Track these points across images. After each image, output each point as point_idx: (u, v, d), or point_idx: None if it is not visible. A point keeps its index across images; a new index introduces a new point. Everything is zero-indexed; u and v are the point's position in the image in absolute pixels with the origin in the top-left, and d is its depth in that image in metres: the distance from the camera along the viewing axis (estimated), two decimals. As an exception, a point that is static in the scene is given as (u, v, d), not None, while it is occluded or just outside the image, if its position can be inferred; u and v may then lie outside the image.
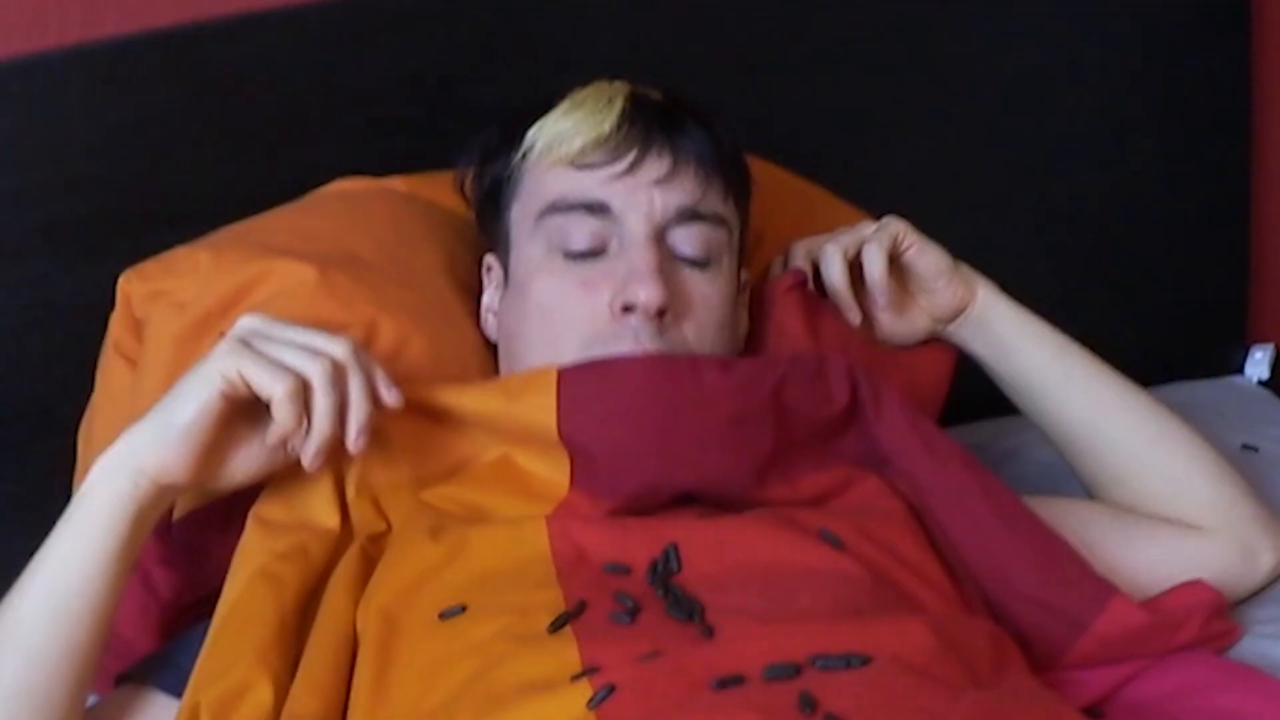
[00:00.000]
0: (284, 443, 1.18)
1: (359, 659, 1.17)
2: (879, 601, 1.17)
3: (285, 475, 1.28)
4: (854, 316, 1.42)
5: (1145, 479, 1.49)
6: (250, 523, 1.25)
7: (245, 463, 1.20)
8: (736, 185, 1.40)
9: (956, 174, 1.95)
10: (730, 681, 1.00)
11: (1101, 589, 1.32)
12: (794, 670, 1.02)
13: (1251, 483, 1.55)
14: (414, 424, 1.29)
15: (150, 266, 1.41)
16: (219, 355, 1.14)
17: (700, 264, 1.34)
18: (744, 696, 0.99)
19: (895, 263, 1.41)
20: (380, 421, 1.23)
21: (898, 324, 1.46)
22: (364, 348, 1.31)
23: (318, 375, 1.13)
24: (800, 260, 1.45)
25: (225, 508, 1.32)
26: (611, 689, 0.99)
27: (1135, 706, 1.31)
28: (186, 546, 1.37)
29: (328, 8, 1.68)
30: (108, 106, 1.60)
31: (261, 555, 1.22)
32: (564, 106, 1.37)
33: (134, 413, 1.31)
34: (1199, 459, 1.49)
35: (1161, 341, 2.15)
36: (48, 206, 1.57)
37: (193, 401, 1.12)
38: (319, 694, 1.13)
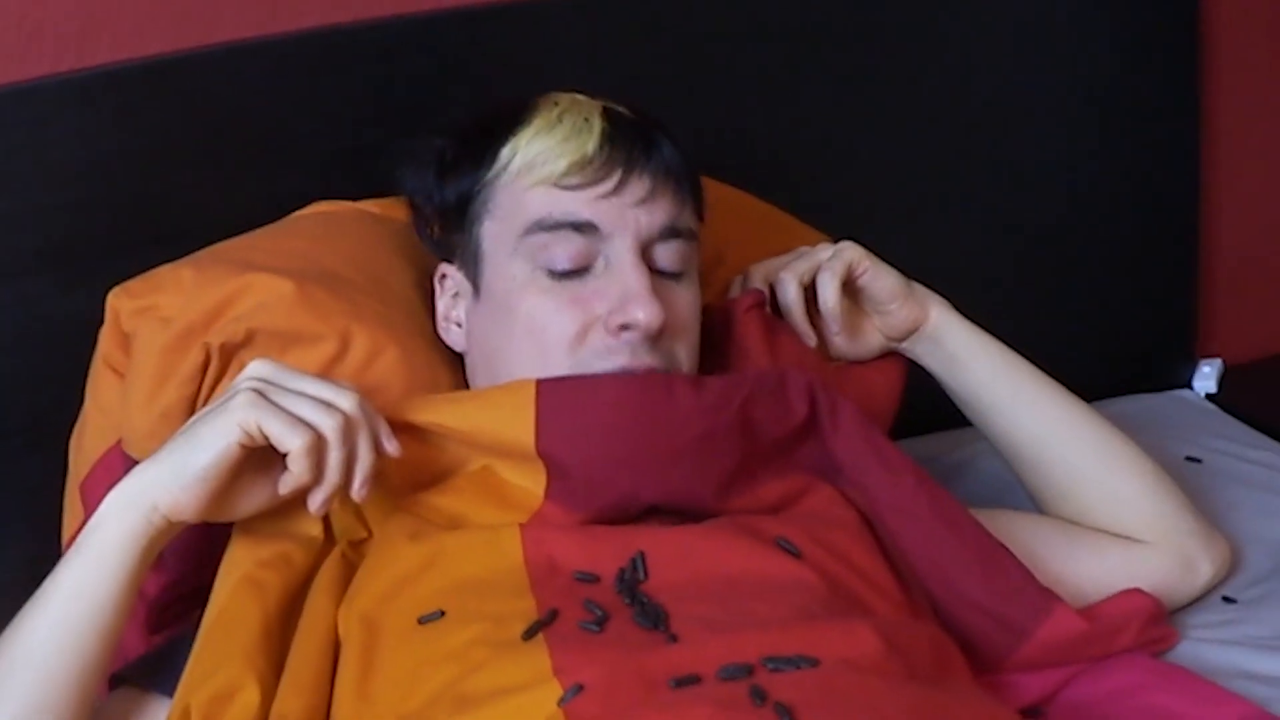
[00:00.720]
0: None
1: (341, 661, 1.22)
2: (831, 607, 1.21)
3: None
4: (809, 340, 1.47)
5: (1089, 494, 1.54)
6: (235, 532, 1.29)
7: (251, 500, 1.24)
8: (700, 199, 1.46)
9: (917, 192, 1.99)
10: (687, 681, 1.05)
11: (1044, 598, 1.38)
12: (746, 670, 1.06)
13: (1193, 493, 1.62)
14: (399, 438, 1.31)
15: (137, 284, 1.45)
16: (238, 407, 1.17)
17: (678, 277, 1.39)
18: (699, 693, 1.04)
19: (850, 286, 1.46)
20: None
21: (852, 344, 1.51)
22: (340, 359, 1.44)
23: (331, 431, 1.17)
24: (758, 283, 1.50)
25: (207, 537, 1.38)
26: (579, 688, 1.04)
27: (1074, 706, 1.38)
28: (174, 550, 1.39)
29: (305, 38, 1.74)
30: (98, 133, 1.63)
31: (246, 563, 1.27)
32: (538, 124, 1.40)
33: (122, 422, 1.46)
34: (1141, 475, 1.55)
35: (1115, 356, 2.24)
36: (41, 228, 1.61)
37: (210, 450, 1.16)
38: (303, 694, 1.18)
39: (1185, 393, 2.27)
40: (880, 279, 1.48)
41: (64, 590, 1.21)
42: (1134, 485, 1.57)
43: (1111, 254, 2.25)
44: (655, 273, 1.37)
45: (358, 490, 1.21)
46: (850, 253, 1.46)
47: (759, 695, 1.03)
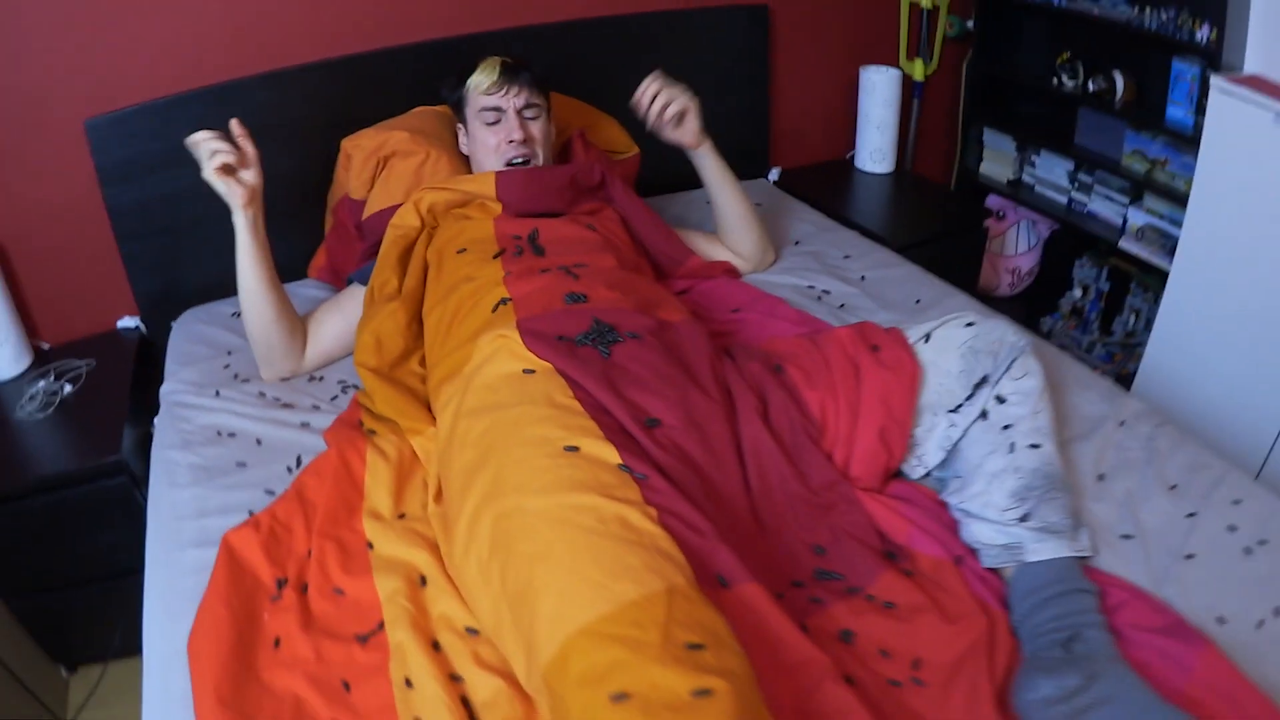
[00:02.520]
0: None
1: (430, 271, 1.76)
2: (604, 251, 1.74)
3: (398, 214, 1.80)
4: (652, 119, 1.85)
5: (733, 236, 2.08)
6: (388, 228, 1.84)
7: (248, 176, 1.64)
8: (545, 92, 1.93)
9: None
10: (545, 270, 1.64)
11: (688, 254, 2.01)
12: (565, 268, 1.65)
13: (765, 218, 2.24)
14: (448, 190, 1.82)
15: (352, 136, 2.00)
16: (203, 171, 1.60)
17: (533, 118, 1.88)
18: (547, 273, 1.62)
19: (684, 116, 1.91)
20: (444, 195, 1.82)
21: (675, 135, 1.89)
22: (425, 162, 1.89)
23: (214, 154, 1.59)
24: (652, 86, 1.85)
25: (381, 225, 1.86)
26: (509, 273, 1.62)
27: (698, 293, 1.99)
28: (366, 231, 1.93)
29: (341, 61, 2.15)
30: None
31: (392, 234, 1.83)
32: (477, 70, 1.87)
33: (348, 185, 1.98)
34: (757, 226, 2.09)
35: (745, 162, 2.69)
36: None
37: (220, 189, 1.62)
38: (416, 280, 1.76)
39: (764, 180, 2.90)
40: (693, 119, 1.89)
41: (239, 260, 1.68)
42: (752, 233, 2.09)
43: (733, 126, 2.74)
44: (528, 120, 1.86)
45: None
46: (691, 102, 1.89)
47: (570, 273, 1.64)
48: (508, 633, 1.12)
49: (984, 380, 1.44)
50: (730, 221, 2.04)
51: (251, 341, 1.73)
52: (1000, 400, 1.43)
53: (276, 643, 1.22)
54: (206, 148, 1.56)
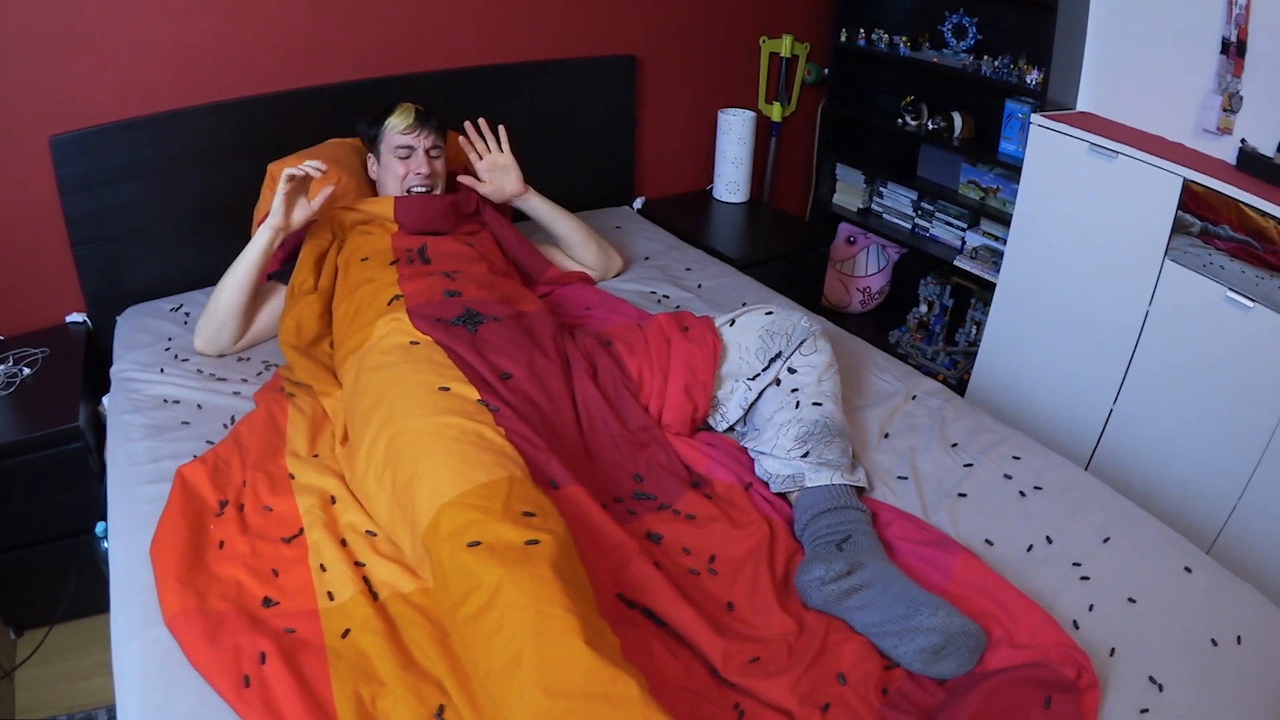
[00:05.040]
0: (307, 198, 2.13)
1: (339, 274, 2.15)
2: (477, 261, 2.14)
3: (313, 228, 2.16)
4: (480, 186, 2.38)
5: (576, 253, 2.54)
6: (305, 238, 2.21)
7: (298, 217, 2.12)
8: (445, 136, 2.32)
9: (542, 143, 2.86)
10: (428, 274, 2.01)
11: (548, 265, 2.43)
12: (445, 272, 2.04)
13: (622, 238, 2.67)
14: (355, 211, 2.21)
15: (277, 160, 2.34)
16: (276, 192, 2.08)
17: (436, 160, 2.28)
18: (429, 277, 2.01)
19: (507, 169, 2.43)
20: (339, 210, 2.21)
21: (494, 192, 2.39)
22: (339, 184, 2.25)
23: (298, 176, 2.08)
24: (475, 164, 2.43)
25: (301, 234, 2.20)
26: (401, 277, 2.01)
27: (557, 297, 2.39)
28: (286, 239, 2.27)
29: (294, 93, 2.54)
30: (209, 133, 2.45)
31: (309, 243, 2.20)
32: (397, 112, 2.29)
33: (270, 206, 2.24)
34: (593, 244, 2.53)
35: (589, 192, 3.09)
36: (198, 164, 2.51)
37: (277, 205, 2.07)
38: (328, 280, 2.15)
39: (627, 208, 3.30)
40: (511, 172, 2.37)
41: (245, 257, 2.12)
42: (591, 249, 2.54)
43: (603, 160, 3.15)
44: (431, 159, 2.27)
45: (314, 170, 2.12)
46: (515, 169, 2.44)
47: (446, 275, 2.05)
48: (398, 522, 1.49)
49: (778, 356, 1.83)
50: (570, 244, 2.46)
51: (212, 321, 2.08)
52: (791, 371, 1.84)
53: (221, 544, 1.56)
54: (288, 175, 1.99)
